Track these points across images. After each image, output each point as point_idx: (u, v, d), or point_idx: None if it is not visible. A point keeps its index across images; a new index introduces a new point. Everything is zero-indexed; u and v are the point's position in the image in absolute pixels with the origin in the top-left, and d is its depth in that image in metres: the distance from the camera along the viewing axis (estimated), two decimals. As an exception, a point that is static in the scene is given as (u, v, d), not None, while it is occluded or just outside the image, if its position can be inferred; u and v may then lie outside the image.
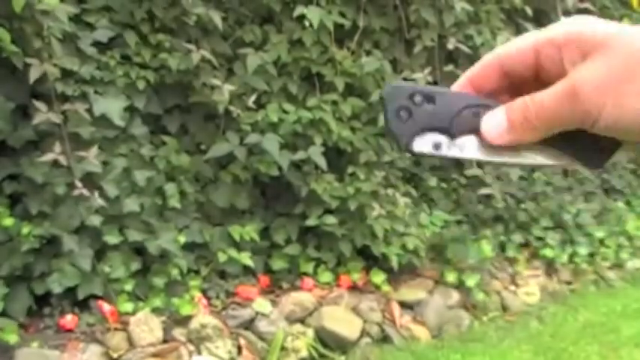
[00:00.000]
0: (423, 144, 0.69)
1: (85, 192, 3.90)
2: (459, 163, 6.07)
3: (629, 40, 0.63)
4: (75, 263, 3.99)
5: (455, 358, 4.56)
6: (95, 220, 4.02)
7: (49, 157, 3.86)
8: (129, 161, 4.25)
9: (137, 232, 4.23)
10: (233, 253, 4.55)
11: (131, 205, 4.18)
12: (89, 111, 4.08)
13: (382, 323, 4.71)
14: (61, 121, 3.96)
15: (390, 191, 5.00)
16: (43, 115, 3.86)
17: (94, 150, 4.00)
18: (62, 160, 3.88)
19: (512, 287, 5.58)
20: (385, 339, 4.64)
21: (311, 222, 4.78)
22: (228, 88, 4.45)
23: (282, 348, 4.26)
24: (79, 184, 3.92)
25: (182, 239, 4.35)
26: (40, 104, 3.87)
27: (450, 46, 5.36)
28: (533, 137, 0.68)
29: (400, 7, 5.30)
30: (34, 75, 3.80)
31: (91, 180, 4.05)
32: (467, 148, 0.69)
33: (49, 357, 3.74)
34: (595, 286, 6.02)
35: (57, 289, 3.94)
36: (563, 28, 0.67)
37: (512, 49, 0.70)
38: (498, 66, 0.71)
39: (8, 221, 3.85)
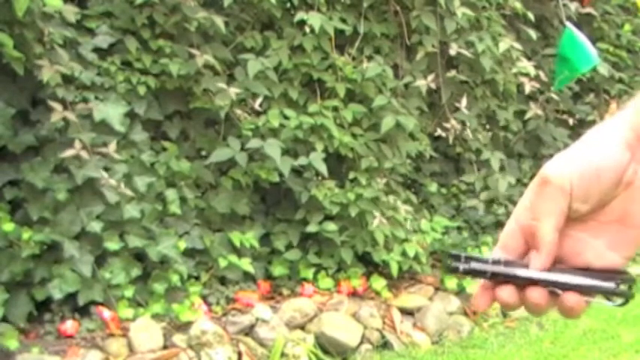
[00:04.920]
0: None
1: (112, 182, 3.93)
2: (458, 169, 6.07)
3: None
4: (75, 269, 3.99)
5: (455, 364, 4.55)
6: (96, 226, 4.03)
7: (69, 152, 3.87)
8: (129, 167, 4.25)
9: (137, 238, 4.23)
10: (233, 259, 4.55)
11: (131, 211, 4.18)
12: (89, 117, 4.10)
13: (382, 329, 4.71)
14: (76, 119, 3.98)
15: (390, 197, 5.00)
16: (59, 114, 3.88)
17: (113, 144, 4.02)
18: (84, 154, 3.88)
19: (513, 293, 5.57)
20: (385, 345, 4.63)
21: (311, 228, 4.78)
22: (233, 90, 4.46)
23: (283, 354, 4.25)
24: (104, 174, 3.93)
25: (182, 245, 4.35)
26: (55, 104, 3.89)
27: (452, 52, 5.36)
28: None
29: (401, 13, 5.31)
30: (45, 76, 3.81)
31: (91, 185, 4.05)
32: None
33: (49, 363, 3.75)
34: (596, 292, 6.00)
35: (57, 295, 3.94)
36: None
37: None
38: (519, 230, 0.80)
39: (9, 227, 3.85)
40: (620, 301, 0.80)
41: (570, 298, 0.79)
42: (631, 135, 0.78)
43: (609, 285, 0.80)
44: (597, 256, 0.80)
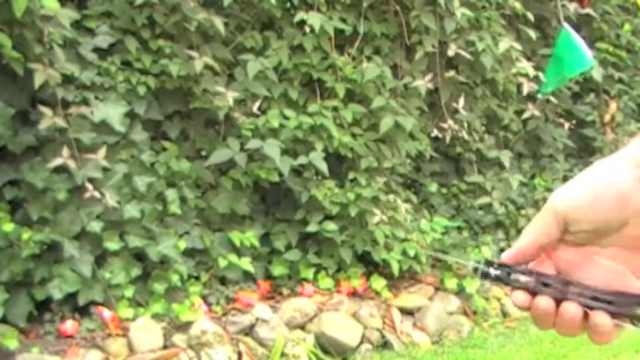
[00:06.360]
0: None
1: (96, 194, 3.92)
2: (458, 169, 6.07)
3: None
4: (75, 269, 3.99)
5: (455, 364, 4.55)
6: (96, 226, 4.02)
7: (57, 161, 3.87)
8: (129, 167, 4.25)
9: (137, 238, 4.23)
10: (233, 258, 4.55)
11: (131, 211, 4.18)
12: (89, 117, 4.09)
13: (382, 329, 4.70)
14: (67, 125, 3.97)
15: (390, 197, 5.00)
16: (49, 119, 3.87)
17: (102, 151, 4.01)
18: (71, 163, 3.88)
19: (513, 293, 5.57)
20: (385, 345, 4.63)
21: (311, 228, 4.78)
22: (232, 94, 4.46)
23: (283, 354, 4.25)
24: (89, 186, 3.93)
25: (182, 245, 4.35)
26: (45, 109, 3.88)
27: (451, 52, 5.36)
28: None
29: (401, 13, 5.31)
30: (38, 80, 3.81)
31: (91, 185, 4.05)
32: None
33: (49, 363, 3.74)
34: (596, 292, 5.99)
35: (57, 294, 3.94)
36: None
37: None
38: None
39: (9, 227, 3.85)
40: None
41: (599, 317, 0.78)
42: None
43: (634, 309, 0.79)
44: (624, 283, 0.80)
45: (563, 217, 0.79)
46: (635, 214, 0.77)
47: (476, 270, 0.84)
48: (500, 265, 0.82)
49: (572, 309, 0.79)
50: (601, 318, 0.78)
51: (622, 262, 0.80)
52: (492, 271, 0.82)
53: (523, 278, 0.81)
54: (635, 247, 0.79)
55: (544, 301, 0.80)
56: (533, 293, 0.81)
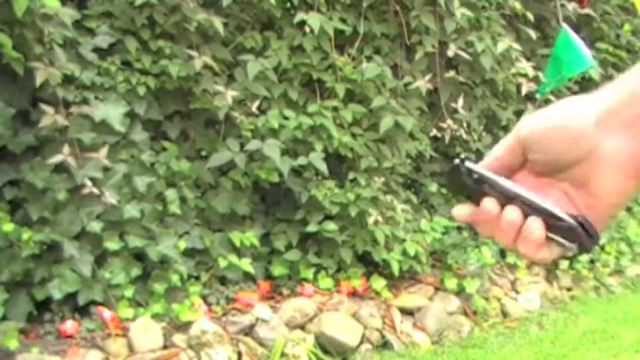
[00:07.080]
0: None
1: (95, 190, 3.92)
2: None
3: None
4: (75, 269, 3.99)
5: (455, 364, 4.55)
6: (96, 226, 4.03)
7: (57, 158, 3.87)
8: (129, 167, 4.25)
9: (137, 238, 4.23)
10: (233, 259, 4.55)
11: (131, 211, 4.18)
12: (90, 117, 4.10)
13: (382, 329, 4.70)
14: (68, 123, 3.97)
15: (390, 197, 5.00)
16: (50, 117, 3.87)
17: (104, 151, 4.01)
18: (71, 161, 3.88)
19: (513, 293, 5.58)
20: (385, 345, 4.63)
21: (311, 228, 4.78)
22: (231, 93, 4.46)
23: (283, 354, 4.25)
24: (88, 182, 3.93)
25: (182, 245, 4.35)
26: (46, 107, 3.88)
27: (451, 52, 5.37)
28: None
29: (401, 13, 5.31)
30: (39, 78, 3.81)
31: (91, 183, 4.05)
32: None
33: (49, 363, 3.74)
34: (595, 293, 6.02)
35: (57, 294, 3.94)
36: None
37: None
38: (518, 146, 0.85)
39: (8, 227, 3.85)
40: (573, 249, 0.83)
41: (533, 222, 0.82)
42: (604, 111, 0.81)
43: (573, 224, 0.82)
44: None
45: (524, 142, 0.84)
46: (587, 155, 0.81)
47: (458, 163, 0.88)
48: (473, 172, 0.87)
49: (512, 213, 0.83)
50: (535, 223, 0.82)
51: (573, 196, 0.85)
52: (471, 168, 0.87)
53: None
54: (582, 186, 0.83)
55: (489, 203, 0.84)
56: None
